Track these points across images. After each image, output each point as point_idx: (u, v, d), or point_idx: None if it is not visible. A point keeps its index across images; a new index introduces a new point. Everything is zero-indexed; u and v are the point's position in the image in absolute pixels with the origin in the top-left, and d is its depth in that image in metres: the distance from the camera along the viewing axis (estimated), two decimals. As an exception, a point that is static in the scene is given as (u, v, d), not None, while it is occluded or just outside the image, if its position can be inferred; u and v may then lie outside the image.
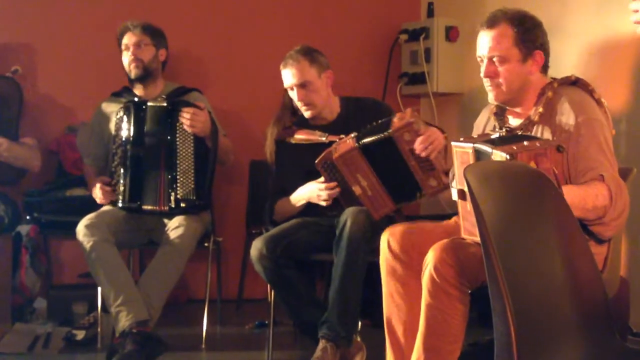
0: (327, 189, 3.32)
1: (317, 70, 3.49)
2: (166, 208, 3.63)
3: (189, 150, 3.65)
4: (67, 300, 4.04)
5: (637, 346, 3.04)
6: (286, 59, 3.51)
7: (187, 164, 3.65)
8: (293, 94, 3.51)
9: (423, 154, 3.15)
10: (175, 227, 3.58)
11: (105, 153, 3.84)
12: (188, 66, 4.54)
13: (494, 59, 2.72)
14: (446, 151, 3.31)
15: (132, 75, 3.84)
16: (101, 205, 3.71)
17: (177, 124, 3.63)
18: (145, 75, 3.85)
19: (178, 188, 3.63)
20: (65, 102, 4.42)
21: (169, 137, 3.64)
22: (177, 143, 3.64)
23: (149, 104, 3.70)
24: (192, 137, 3.64)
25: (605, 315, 2.06)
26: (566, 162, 2.56)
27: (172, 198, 3.63)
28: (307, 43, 3.61)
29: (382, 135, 3.19)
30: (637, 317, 3.54)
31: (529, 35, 2.71)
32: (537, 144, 2.41)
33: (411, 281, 2.70)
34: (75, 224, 3.62)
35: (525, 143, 2.41)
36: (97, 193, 3.70)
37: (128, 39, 3.84)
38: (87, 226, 3.51)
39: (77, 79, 4.41)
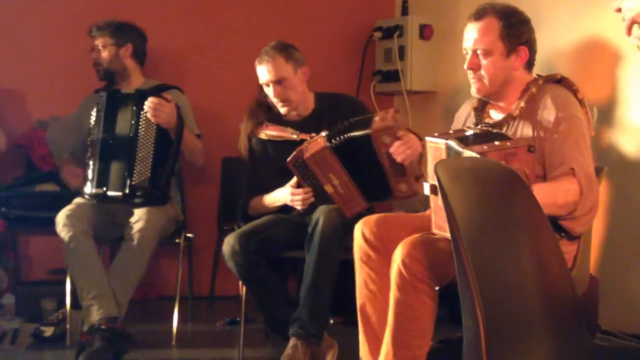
0: (302, 195, 3.31)
1: (293, 66, 3.48)
2: (120, 194, 3.62)
3: (150, 139, 3.65)
4: (35, 297, 3.99)
5: (605, 343, 3.06)
6: (261, 55, 3.49)
7: (145, 152, 3.65)
8: (269, 90, 3.49)
9: (399, 159, 3.14)
10: (135, 221, 3.57)
11: (81, 149, 3.83)
12: (162, 63, 4.50)
13: (478, 52, 2.73)
14: (421, 158, 3.31)
15: (98, 76, 3.91)
16: (70, 199, 3.66)
17: (142, 113, 3.63)
18: (109, 76, 3.91)
19: (134, 175, 3.62)
20: (34, 97, 4.37)
21: (132, 124, 3.64)
22: (140, 131, 3.64)
23: (122, 92, 3.73)
24: (154, 127, 3.65)
25: (574, 312, 2.07)
26: (540, 158, 2.57)
27: (127, 184, 3.62)
28: (282, 39, 3.59)
29: (362, 132, 3.17)
30: (606, 315, 3.56)
31: (514, 30, 2.71)
32: (508, 144, 2.41)
33: (385, 269, 2.69)
34: (45, 219, 3.58)
35: (497, 143, 2.42)
36: (68, 176, 3.71)
37: (93, 43, 3.91)
38: (69, 216, 3.50)
39: (47, 74, 4.35)
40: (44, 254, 4.27)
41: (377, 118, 3.21)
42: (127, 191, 3.61)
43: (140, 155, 3.64)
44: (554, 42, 3.88)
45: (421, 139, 3.26)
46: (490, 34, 2.71)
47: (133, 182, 3.62)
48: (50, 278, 4.13)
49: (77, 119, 3.92)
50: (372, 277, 2.76)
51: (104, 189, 3.63)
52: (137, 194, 3.62)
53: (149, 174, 3.64)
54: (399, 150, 3.13)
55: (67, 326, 3.66)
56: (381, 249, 2.73)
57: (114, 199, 3.64)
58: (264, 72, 3.47)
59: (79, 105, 3.96)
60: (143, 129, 3.64)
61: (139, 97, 3.66)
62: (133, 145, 3.64)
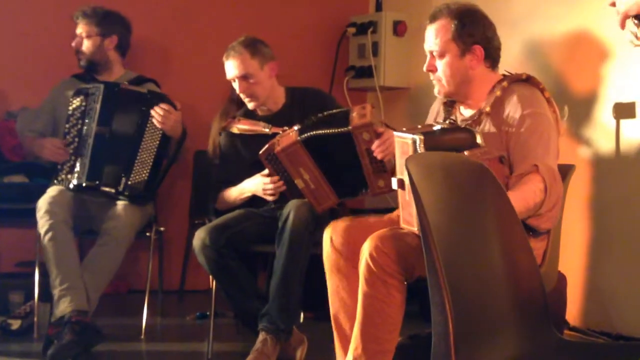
0: (272, 183, 3.31)
1: (260, 62, 3.46)
2: (113, 190, 3.59)
3: (154, 144, 3.63)
4: (3, 289, 3.95)
5: (573, 339, 3.09)
6: (228, 50, 3.48)
7: (147, 155, 3.62)
8: (235, 86, 3.49)
9: (380, 157, 3.14)
10: (114, 216, 3.53)
11: (51, 132, 3.79)
12: (138, 55, 4.46)
13: (434, 53, 2.74)
14: None
15: (79, 65, 3.84)
16: (39, 192, 3.61)
17: (151, 116, 3.60)
18: (91, 66, 3.84)
19: (131, 175, 3.59)
20: (4, 88, 4.31)
21: (138, 124, 3.61)
22: (145, 133, 3.61)
23: (124, 87, 3.67)
24: (160, 133, 3.62)
25: (543, 308, 2.08)
26: (507, 168, 2.59)
27: (122, 182, 3.58)
28: (256, 34, 3.57)
29: (340, 130, 3.17)
30: (574, 312, 3.60)
31: (467, 30, 2.71)
32: (478, 154, 2.41)
33: (355, 276, 2.68)
34: (13, 211, 3.54)
35: (466, 153, 2.40)
36: (49, 149, 3.64)
37: (76, 29, 3.83)
38: (51, 204, 3.45)
39: (17, 64, 4.29)
40: (12, 247, 4.22)
41: (354, 114, 3.19)
42: (120, 189, 3.58)
43: (141, 157, 3.61)
44: (522, 35, 3.91)
45: None
46: (443, 35, 2.71)
47: (129, 182, 3.59)
48: (18, 271, 4.09)
49: (51, 102, 3.85)
50: (343, 286, 2.76)
51: (97, 182, 3.59)
52: (127, 193, 3.59)
53: (145, 177, 3.61)
54: (380, 148, 3.12)
55: (35, 319, 3.64)
56: (350, 257, 2.72)
57: (105, 193, 3.60)
58: (230, 68, 3.47)
59: (53, 88, 3.88)
60: (149, 132, 3.61)
61: (149, 97, 3.62)
62: (136, 145, 3.60)
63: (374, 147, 3.13)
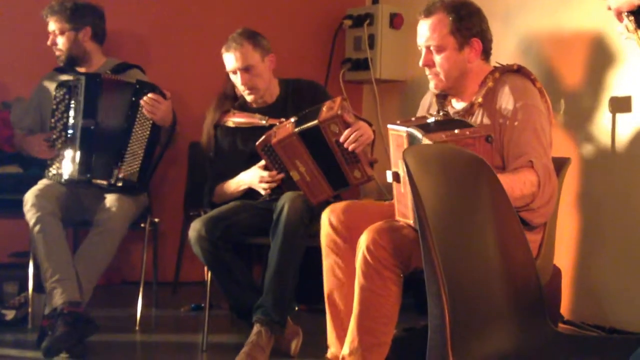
0: (269, 177, 3.30)
1: (260, 54, 3.46)
2: (105, 183, 3.58)
3: (144, 134, 3.61)
4: (-4, 280, 3.94)
5: (567, 332, 3.10)
6: (229, 42, 3.46)
7: (137, 146, 3.60)
8: (235, 78, 3.48)
9: (350, 148, 3.15)
10: (107, 207, 3.52)
11: (39, 128, 3.77)
12: (129, 44, 4.45)
13: (431, 48, 2.74)
14: (373, 144, 3.32)
15: (59, 62, 3.80)
16: (33, 182, 3.60)
17: (140, 107, 3.57)
18: (71, 60, 3.80)
19: (122, 167, 3.58)
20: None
21: (128, 115, 3.59)
22: (135, 124, 3.59)
23: (105, 77, 3.63)
24: (150, 123, 3.60)
25: (538, 301, 2.09)
26: (499, 148, 2.59)
27: (114, 174, 3.57)
28: (251, 26, 3.57)
29: (311, 123, 3.18)
30: (569, 305, 3.61)
31: (465, 23, 2.71)
32: (467, 133, 2.43)
33: (351, 256, 2.69)
34: (7, 201, 3.53)
35: (456, 131, 2.43)
36: (37, 148, 3.63)
37: (48, 27, 3.78)
38: (38, 197, 3.43)
39: (11, 55, 4.27)
40: (5, 237, 4.21)
41: (324, 108, 3.22)
42: (112, 181, 3.57)
43: (132, 148, 3.59)
44: (519, 29, 3.91)
45: (371, 125, 3.28)
46: (440, 29, 2.71)
47: (121, 175, 3.57)
48: (12, 261, 4.08)
49: (36, 98, 3.83)
50: (339, 264, 2.76)
51: (88, 175, 3.58)
52: (119, 185, 3.57)
53: (137, 169, 3.60)
54: (350, 139, 3.14)
55: (29, 310, 3.63)
56: (348, 237, 2.73)
57: (97, 186, 3.58)
58: (231, 60, 3.45)
59: (38, 85, 3.86)
60: (139, 123, 3.59)
61: (139, 88, 3.59)
62: (126, 137, 3.58)
63: (342, 139, 3.14)
